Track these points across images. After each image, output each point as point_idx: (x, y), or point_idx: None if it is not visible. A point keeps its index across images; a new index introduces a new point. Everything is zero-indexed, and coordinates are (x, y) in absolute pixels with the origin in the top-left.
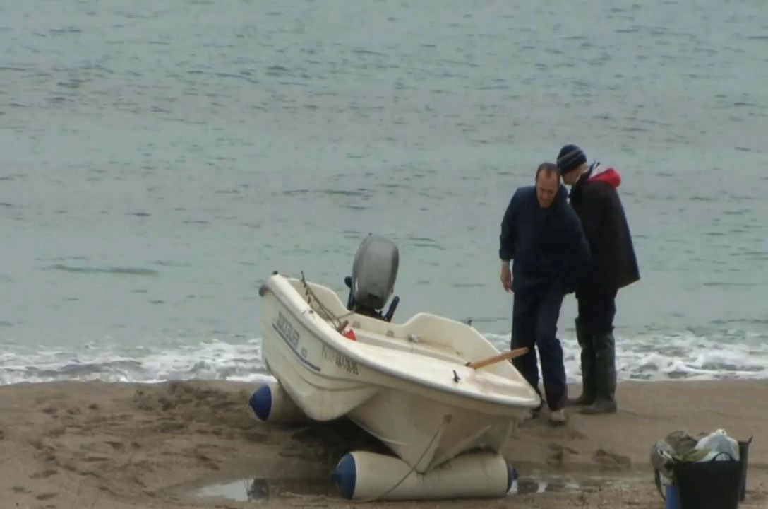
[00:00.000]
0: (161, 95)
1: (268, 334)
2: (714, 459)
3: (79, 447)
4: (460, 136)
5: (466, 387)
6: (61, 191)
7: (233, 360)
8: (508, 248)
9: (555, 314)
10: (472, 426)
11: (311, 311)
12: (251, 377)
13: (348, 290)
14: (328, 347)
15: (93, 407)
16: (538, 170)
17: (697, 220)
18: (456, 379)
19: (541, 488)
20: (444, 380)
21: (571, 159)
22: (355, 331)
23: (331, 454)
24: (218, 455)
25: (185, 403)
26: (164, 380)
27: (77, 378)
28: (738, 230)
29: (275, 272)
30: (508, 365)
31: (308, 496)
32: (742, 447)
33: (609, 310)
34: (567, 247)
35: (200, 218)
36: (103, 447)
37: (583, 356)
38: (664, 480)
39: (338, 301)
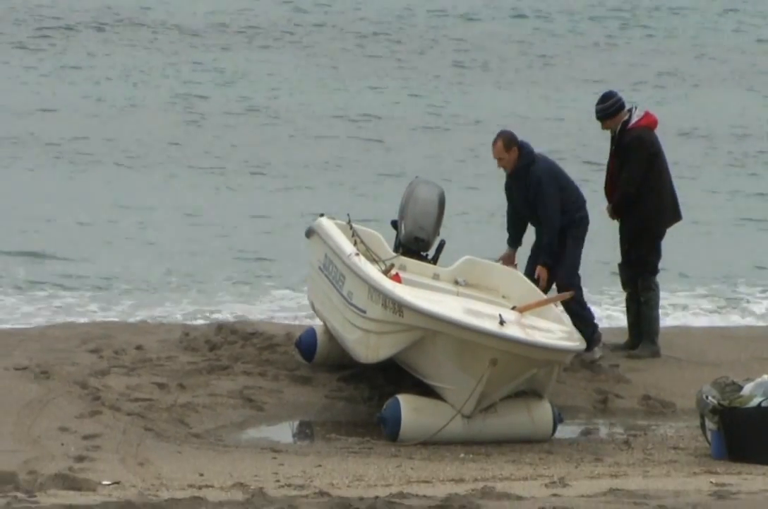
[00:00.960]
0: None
1: (314, 276)
2: (759, 404)
3: (125, 387)
4: (499, 78)
5: (511, 330)
6: (100, 129)
7: (280, 301)
8: (510, 236)
9: (572, 262)
10: (518, 369)
11: (357, 254)
12: (297, 319)
13: (394, 233)
14: (374, 289)
15: (139, 347)
16: None
17: (738, 160)
18: (502, 323)
19: (587, 432)
20: (490, 323)
21: (611, 107)
22: (401, 274)
23: (377, 397)
24: (263, 397)
25: (231, 344)
26: (210, 321)
27: (123, 318)
28: None
29: (322, 215)
30: (553, 308)
31: (353, 439)
32: None
33: (656, 253)
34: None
35: (238, 159)
36: (148, 388)
37: (628, 300)
38: (710, 425)
39: (384, 244)
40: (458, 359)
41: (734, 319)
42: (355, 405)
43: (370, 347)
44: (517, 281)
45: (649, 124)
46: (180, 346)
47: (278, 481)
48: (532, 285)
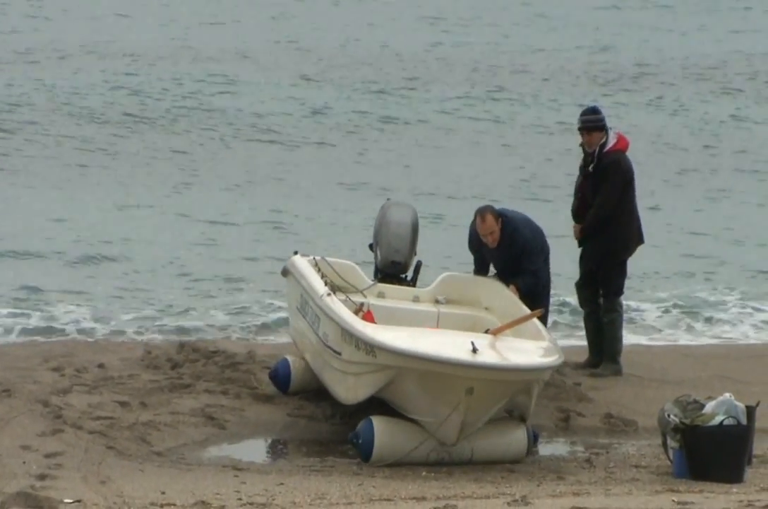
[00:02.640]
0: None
1: (293, 316)
2: (721, 423)
3: (87, 405)
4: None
5: (484, 357)
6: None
7: (242, 320)
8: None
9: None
10: (496, 394)
11: (329, 294)
12: (260, 338)
13: (371, 256)
14: (346, 332)
15: (100, 366)
16: (474, 217)
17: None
18: (474, 350)
19: (549, 451)
20: (462, 353)
21: (600, 121)
22: (380, 301)
23: (339, 415)
24: (225, 415)
25: (193, 363)
26: (172, 339)
27: (85, 337)
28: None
29: (295, 252)
30: (532, 324)
31: (315, 457)
32: (750, 411)
33: (622, 274)
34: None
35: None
36: (110, 406)
37: (586, 319)
38: (672, 443)
39: (361, 274)
40: (435, 392)
41: (696, 337)
42: (317, 423)
43: (349, 388)
44: (497, 292)
45: (623, 147)
46: (142, 364)
47: (240, 499)
48: (512, 294)
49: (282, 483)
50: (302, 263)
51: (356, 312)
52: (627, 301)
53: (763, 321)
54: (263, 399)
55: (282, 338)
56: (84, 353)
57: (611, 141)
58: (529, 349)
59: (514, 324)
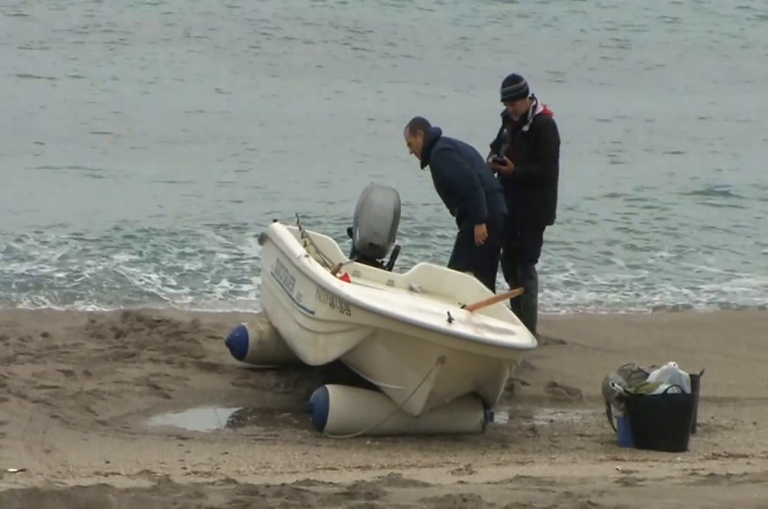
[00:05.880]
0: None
1: (267, 282)
2: (665, 391)
3: (31, 374)
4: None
5: (460, 328)
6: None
7: (187, 290)
8: None
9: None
10: (467, 368)
11: (307, 256)
12: (204, 308)
13: (349, 240)
14: (322, 289)
15: (45, 335)
16: None
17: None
18: (450, 320)
19: (493, 419)
20: (438, 321)
21: (522, 88)
22: (355, 280)
23: (283, 384)
24: (170, 384)
25: (137, 332)
26: (117, 308)
27: (29, 306)
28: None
29: (275, 220)
30: (506, 309)
31: (259, 426)
32: (694, 379)
33: (540, 242)
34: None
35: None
36: (54, 375)
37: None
38: (616, 412)
39: (338, 249)
40: (406, 357)
41: (640, 306)
42: (261, 392)
43: (318, 348)
44: (473, 288)
45: (550, 115)
46: (86, 333)
47: (185, 468)
48: (489, 292)
49: (226, 452)
50: (281, 229)
51: (334, 273)
52: (572, 270)
53: (707, 291)
54: (208, 367)
55: (227, 308)
56: (28, 322)
57: (540, 107)
58: (504, 329)
59: (493, 301)
